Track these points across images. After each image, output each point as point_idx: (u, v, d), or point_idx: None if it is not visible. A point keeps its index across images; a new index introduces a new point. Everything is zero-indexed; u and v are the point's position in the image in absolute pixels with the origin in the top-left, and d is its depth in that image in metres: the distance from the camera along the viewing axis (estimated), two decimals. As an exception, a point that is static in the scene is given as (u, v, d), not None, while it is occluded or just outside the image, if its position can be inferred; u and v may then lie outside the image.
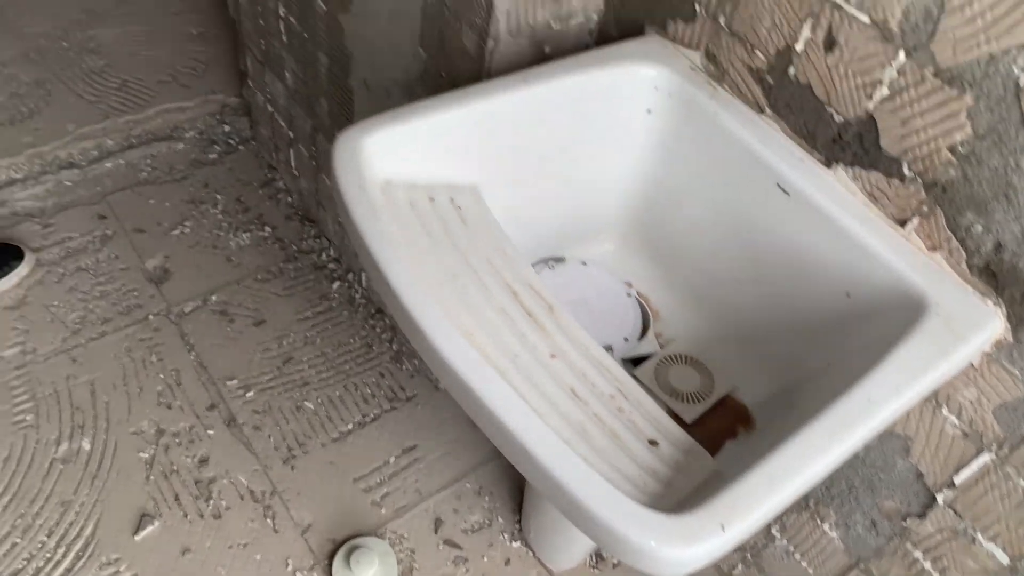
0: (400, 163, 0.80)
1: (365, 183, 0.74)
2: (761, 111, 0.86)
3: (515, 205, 0.90)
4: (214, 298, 1.54)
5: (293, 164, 1.64)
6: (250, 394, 1.42)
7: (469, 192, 0.85)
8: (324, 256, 1.64)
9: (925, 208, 0.75)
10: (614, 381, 0.70)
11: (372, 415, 1.43)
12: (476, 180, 0.86)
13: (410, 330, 0.67)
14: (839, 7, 0.74)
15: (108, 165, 1.69)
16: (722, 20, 0.85)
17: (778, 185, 0.83)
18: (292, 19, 1.35)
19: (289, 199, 1.72)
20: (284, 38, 1.41)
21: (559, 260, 1.01)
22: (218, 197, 1.69)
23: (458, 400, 0.65)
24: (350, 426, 1.41)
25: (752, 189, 0.85)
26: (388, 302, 0.70)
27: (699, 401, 0.92)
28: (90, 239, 1.58)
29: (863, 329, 0.79)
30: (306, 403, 1.42)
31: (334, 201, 0.76)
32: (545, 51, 1.00)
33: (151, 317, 1.49)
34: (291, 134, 1.59)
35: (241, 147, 1.79)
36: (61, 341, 1.43)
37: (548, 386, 0.67)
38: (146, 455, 1.32)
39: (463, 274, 0.75)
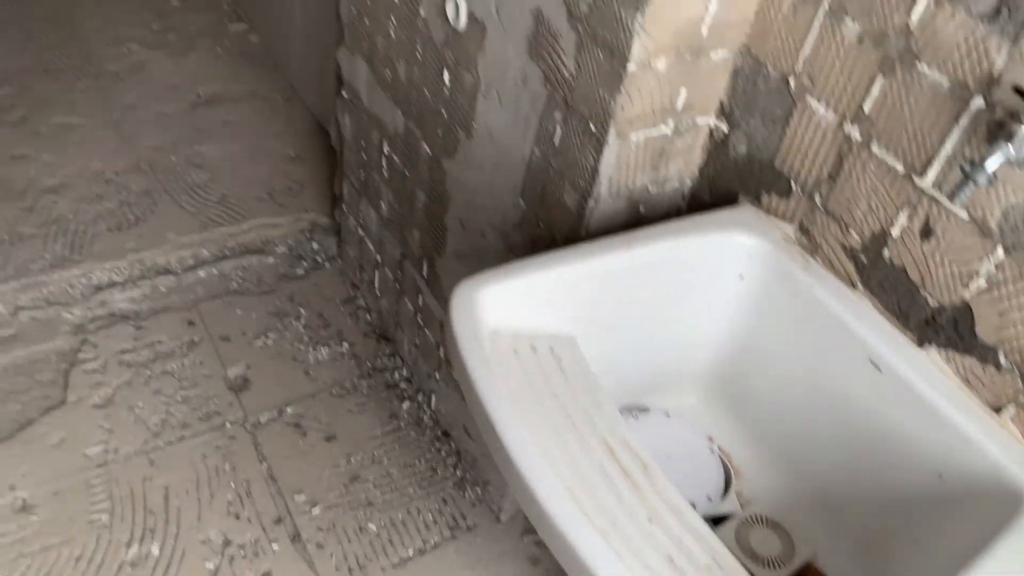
0: (508, 314, 0.85)
1: (478, 333, 0.79)
2: (853, 286, 0.89)
3: (607, 354, 0.94)
4: (289, 410, 1.58)
5: (376, 285, 1.71)
6: (316, 510, 1.44)
7: (567, 342, 0.89)
8: (397, 375, 1.69)
9: (1022, 398, 0.76)
10: (709, 550, 0.71)
11: (433, 542, 1.43)
12: (574, 331, 0.90)
13: (516, 483, 0.69)
14: (937, 201, 0.78)
15: (201, 274, 1.79)
16: (817, 199, 0.90)
17: (870, 360, 0.85)
18: (396, 157, 1.45)
19: (368, 317, 1.78)
20: (385, 173, 1.51)
21: (643, 410, 1.04)
22: (301, 311, 1.77)
23: (560, 560, 0.66)
24: (411, 552, 1.41)
25: (842, 361, 0.88)
26: (494, 450, 0.73)
27: (779, 567, 0.91)
28: (178, 344, 1.65)
29: (956, 513, 0.79)
30: (369, 524, 1.43)
31: (448, 347, 0.80)
32: (640, 210, 1.06)
33: (228, 425, 1.54)
34: (379, 258, 1.67)
35: (327, 264, 1.88)
36: (142, 443, 1.48)
37: (648, 553, 0.68)
38: (211, 565, 1.33)
39: (564, 428, 0.77)
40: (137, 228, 1.83)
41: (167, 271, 1.77)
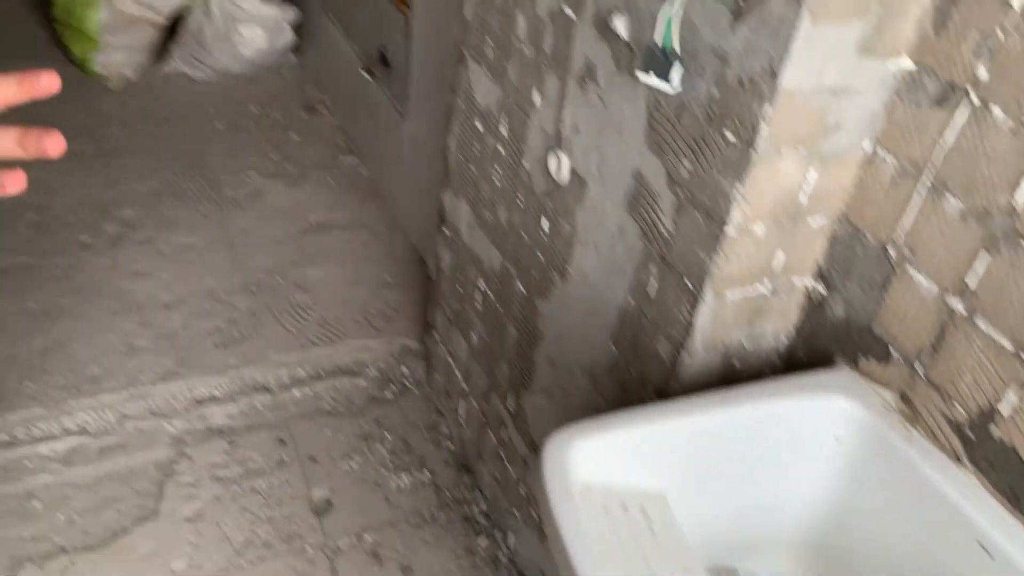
0: (599, 468, 0.85)
1: (569, 488, 0.79)
2: (959, 461, 0.86)
3: (697, 512, 0.92)
4: (368, 537, 1.59)
5: (461, 414, 1.74)
6: (388, 646, 1.41)
7: (658, 500, 0.88)
8: (475, 508, 1.68)
9: None
10: None
11: None
12: (665, 488, 0.89)
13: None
14: (1049, 382, 0.76)
15: (296, 393, 1.85)
16: (919, 368, 0.89)
17: (979, 543, 0.81)
18: (490, 293, 1.50)
19: (451, 445, 1.80)
20: (478, 306, 1.56)
21: (731, 572, 1.00)
22: (387, 435, 1.80)
23: None
24: None
25: (949, 540, 0.84)
26: (580, 614, 0.72)
27: None
28: (268, 462, 1.70)
29: None
30: (440, 666, 1.40)
31: (538, 501, 0.80)
32: (734, 365, 1.06)
33: (308, 549, 1.55)
34: (465, 387, 1.70)
35: (415, 389, 1.92)
36: (225, 560, 1.50)
37: None
38: None
39: (653, 594, 0.76)
40: (240, 345, 1.92)
41: (264, 389, 1.84)
